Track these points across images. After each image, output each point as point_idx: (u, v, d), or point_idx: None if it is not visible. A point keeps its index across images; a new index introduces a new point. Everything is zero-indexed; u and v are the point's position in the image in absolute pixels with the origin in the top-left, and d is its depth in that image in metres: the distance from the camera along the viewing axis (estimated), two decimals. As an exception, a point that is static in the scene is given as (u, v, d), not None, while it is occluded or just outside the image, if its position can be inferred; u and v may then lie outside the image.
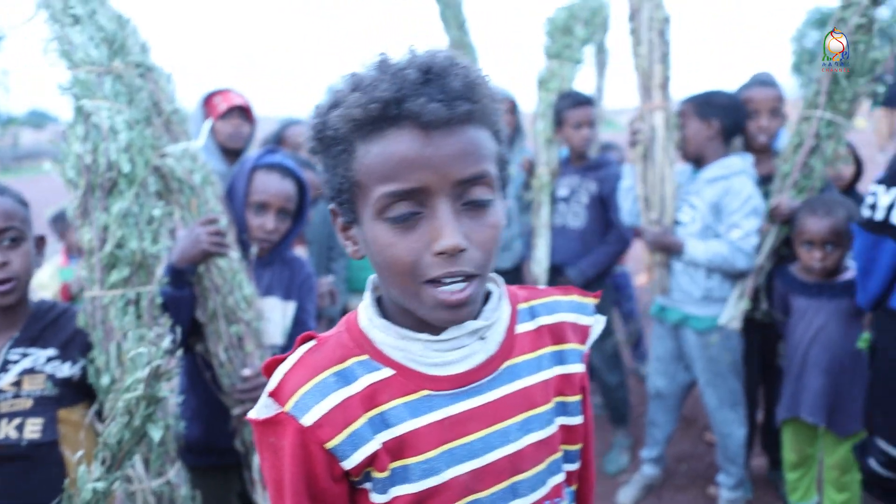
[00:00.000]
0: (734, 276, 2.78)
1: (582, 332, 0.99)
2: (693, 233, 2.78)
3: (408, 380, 0.85)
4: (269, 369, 0.87)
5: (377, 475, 0.83)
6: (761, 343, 2.91)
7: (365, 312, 0.90)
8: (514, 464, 0.88)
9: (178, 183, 1.91)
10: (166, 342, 1.47)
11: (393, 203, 0.77)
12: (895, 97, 2.54)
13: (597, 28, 3.76)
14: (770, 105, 2.79)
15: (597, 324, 1.01)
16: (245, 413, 1.88)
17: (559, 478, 0.95)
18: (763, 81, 2.88)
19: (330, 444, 0.80)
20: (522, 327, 0.94)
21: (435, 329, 0.86)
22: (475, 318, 0.88)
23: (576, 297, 1.00)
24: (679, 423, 3.59)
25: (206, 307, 1.90)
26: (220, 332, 1.87)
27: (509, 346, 0.91)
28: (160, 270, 1.49)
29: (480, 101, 0.79)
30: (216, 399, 1.97)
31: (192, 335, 1.95)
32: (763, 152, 2.87)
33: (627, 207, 3.01)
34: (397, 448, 0.83)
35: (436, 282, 0.79)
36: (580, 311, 0.99)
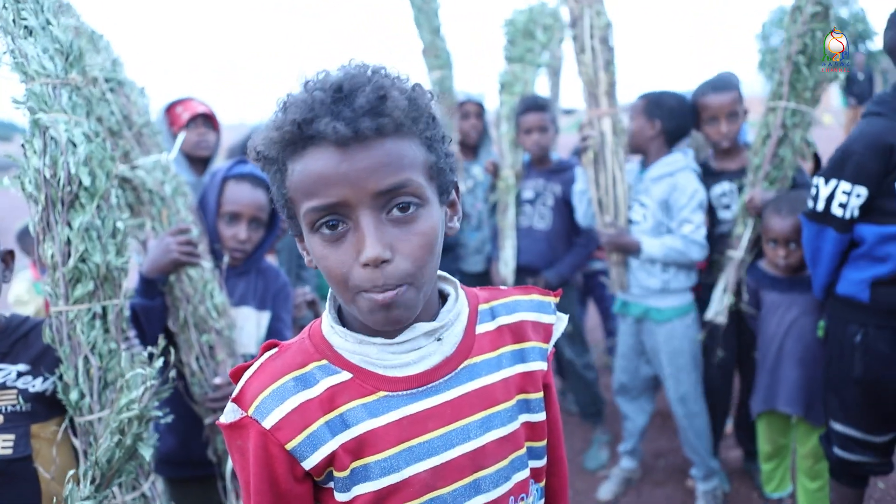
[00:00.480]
0: (689, 267, 2.86)
1: (544, 330, 1.01)
2: (646, 230, 2.87)
3: (365, 382, 0.88)
4: (236, 376, 0.91)
5: (338, 475, 0.86)
6: (737, 335, 2.94)
7: (326, 319, 0.93)
8: (476, 460, 0.90)
9: (149, 194, 1.91)
10: (159, 362, 1.47)
11: (319, 218, 0.81)
12: (862, 94, 2.63)
13: (555, 32, 3.81)
14: (727, 109, 2.83)
15: (559, 321, 1.03)
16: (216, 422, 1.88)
17: (523, 474, 0.96)
18: (717, 86, 2.90)
19: (289, 446, 0.84)
20: (483, 327, 0.96)
21: (390, 333, 0.88)
22: (432, 319, 0.91)
23: (536, 296, 1.03)
24: (655, 418, 3.65)
25: (178, 317, 1.90)
26: (192, 341, 1.87)
27: (468, 346, 0.93)
28: (126, 283, 1.48)
29: (393, 115, 0.79)
30: (189, 411, 1.96)
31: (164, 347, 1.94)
32: (731, 150, 2.92)
33: (583, 210, 3.11)
34: (356, 448, 0.86)
35: (365, 291, 0.81)
36: (541, 310, 1.02)
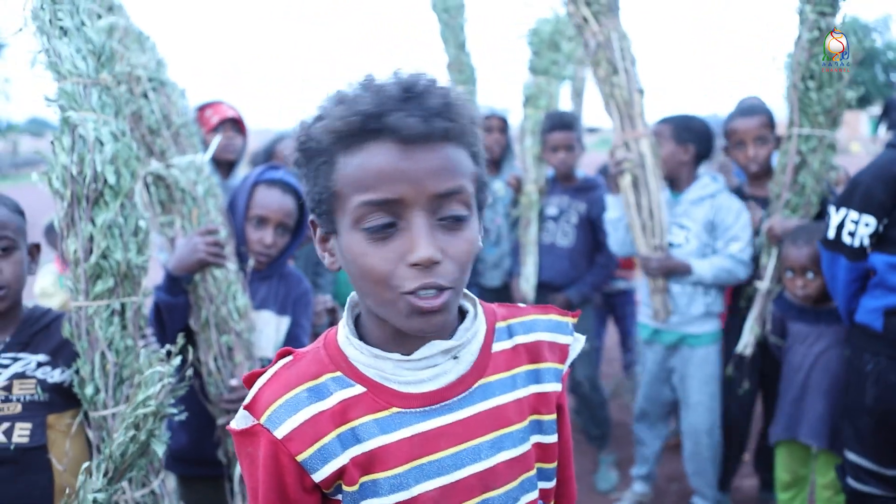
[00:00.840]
0: (722, 291, 2.84)
1: (560, 350, 1.00)
2: (690, 253, 2.83)
3: (378, 397, 0.87)
4: (249, 382, 0.90)
5: (347, 489, 0.86)
6: (759, 365, 2.89)
7: (342, 330, 0.92)
8: (485, 481, 0.89)
9: (182, 193, 1.95)
10: (176, 360, 1.49)
11: (369, 213, 0.79)
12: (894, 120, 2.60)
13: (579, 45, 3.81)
14: (754, 133, 2.82)
15: (576, 342, 1.02)
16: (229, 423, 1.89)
17: (532, 495, 0.95)
18: (745, 111, 2.89)
19: (300, 457, 0.84)
20: (499, 346, 0.95)
21: (407, 349, 0.88)
22: (450, 336, 0.90)
23: (554, 316, 1.01)
24: (669, 442, 3.60)
25: (199, 316, 1.92)
26: (211, 341, 1.89)
27: (483, 364, 0.92)
28: (146, 281, 1.50)
29: (458, 121, 0.82)
30: (203, 409, 1.97)
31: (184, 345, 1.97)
32: (763, 176, 2.89)
33: (620, 238, 2.96)
34: (367, 463, 0.85)
35: (410, 293, 0.80)
36: (558, 331, 1.00)
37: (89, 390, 1.47)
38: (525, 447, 0.93)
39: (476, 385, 0.91)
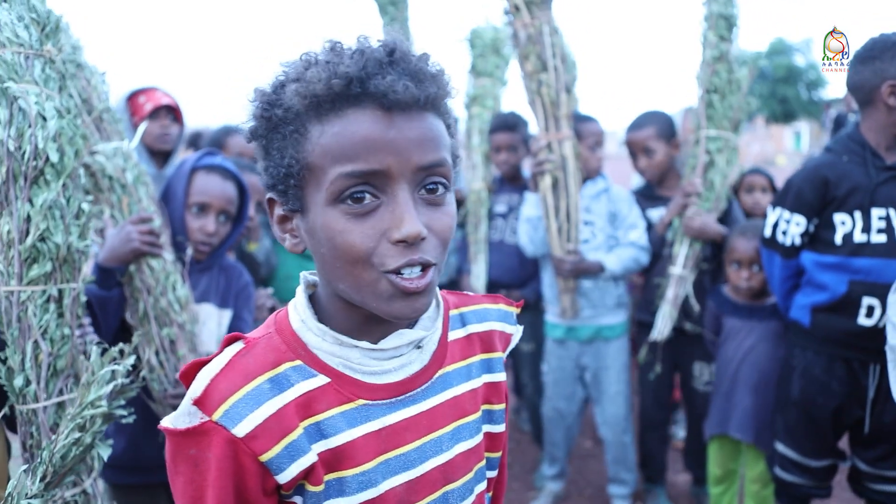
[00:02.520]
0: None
1: (505, 339, 1.00)
2: (598, 246, 2.97)
3: (343, 388, 0.82)
4: (190, 374, 0.79)
5: (311, 489, 0.80)
6: (672, 363, 3.06)
7: (297, 313, 0.85)
8: (446, 474, 0.88)
9: (109, 181, 1.85)
10: (129, 360, 1.41)
11: (350, 185, 0.74)
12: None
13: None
14: (642, 145, 3.06)
15: (517, 332, 1.03)
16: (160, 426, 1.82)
17: (483, 485, 0.95)
18: (633, 125, 3.12)
19: (265, 457, 0.76)
20: (454, 334, 0.94)
21: (374, 337, 0.84)
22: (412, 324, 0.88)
23: (503, 306, 1.02)
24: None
25: (137, 309, 1.84)
26: (151, 334, 1.82)
27: (442, 354, 0.90)
28: (87, 267, 1.43)
29: (442, 89, 0.78)
30: (144, 412, 1.87)
31: (119, 340, 1.88)
32: (670, 178, 3.09)
33: (539, 237, 3.00)
34: (333, 460, 0.80)
35: (393, 272, 0.76)
36: (506, 320, 1.01)
37: (18, 382, 1.38)
38: (479, 437, 0.93)
39: (437, 375, 0.89)
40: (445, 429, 0.88)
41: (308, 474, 0.78)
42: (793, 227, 2.23)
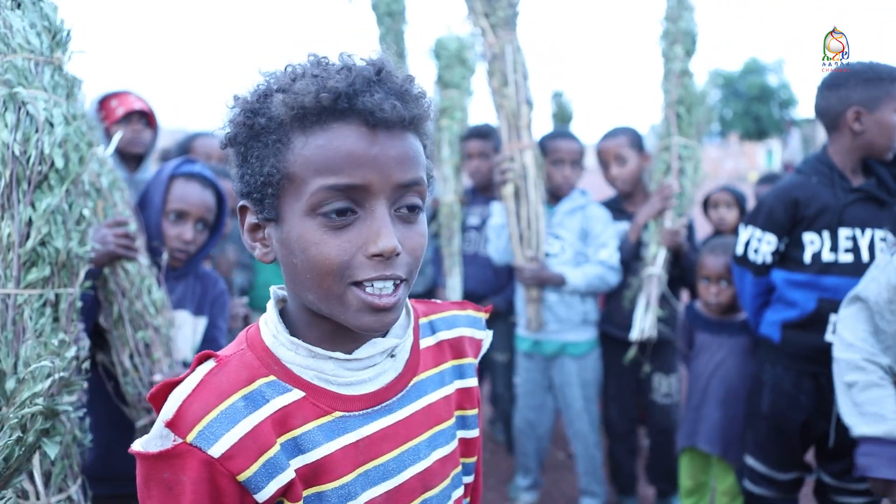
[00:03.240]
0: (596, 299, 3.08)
1: (476, 345, 1.03)
2: (565, 261, 3.02)
3: (319, 401, 0.82)
4: (160, 396, 0.79)
5: None
6: (635, 373, 3.10)
7: (268, 328, 0.85)
8: (424, 481, 0.89)
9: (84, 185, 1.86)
10: (71, 351, 1.41)
11: (330, 198, 0.76)
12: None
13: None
14: (614, 153, 3.13)
15: (487, 338, 1.05)
16: (150, 424, 1.82)
17: (460, 491, 0.97)
18: (607, 134, 3.21)
19: (243, 476, 0.75)
20: (425, 342, 0.96)
21: (346, 348, 0.85)
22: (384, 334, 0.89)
23: (471, 312, 1.04)
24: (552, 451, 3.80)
25: (111, 312, 1.84)
26: (126, 338, 1.82)
27: (415, 362, 0.92)
28: (83, 272, 1.45)
29: (423, 110, 0.81)
30: (115, 419, 1.89)
31: (93, 345, 1.87)
32: (636, 193, 3.17)
33: (502, 246, 3.11)
34: (311, 475, 0.80)
35: (362, 284, 0.78)
36: (475, 326, 1.03)
37: (10, 385, 1.38)
38: (454, 444, 0.95)
39: (411, 383, 0.90)
40: (422, 437, 0.89)
41: (286, 491, 0.78)
42: (764, 245, 2.31)
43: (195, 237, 2.06)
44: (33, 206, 1.32)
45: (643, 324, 2.94)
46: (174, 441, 0.74)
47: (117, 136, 2.35)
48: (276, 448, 0.78)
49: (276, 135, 0.77)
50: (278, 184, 0.78)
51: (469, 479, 1.01)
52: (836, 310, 2.13)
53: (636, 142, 3.13)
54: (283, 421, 0.79)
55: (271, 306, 0.87)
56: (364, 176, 0.76)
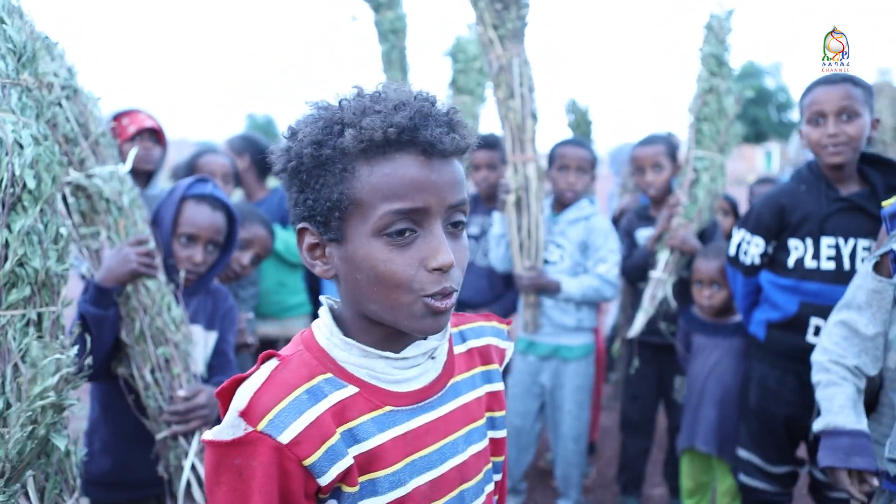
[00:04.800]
0: (594, 307, 3.12)
1: (500, 354, 1.11)
2: (563, 270, 3.04)
3: (372, 396, 0.91)
4: (228, 391, 0.88)
5: (347, 489, 0.88)
6: (658, 375, 3.16)
7: (323, 331, 0.94)
8: (462, 473, 0.97)
9: (106, 203, 1.89)
10: (73, 350, 1.43)
11: (396, 220, 0.85)
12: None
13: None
14: (652, 160, 3.16)
15: (510, 348, 1.14)
16: (171, 436, 1.86)
17: (491, 486, 1.05)
18: (645, 140, 3.24)
19: (308, 461, 0.84)
20: (457, 349, 1.05)
21: (394, 349, 0.93)
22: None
23: (496, 324, 1.13)
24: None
25: (133, 328, 1.86)
26: (148, 353, 1.85)
27: (451, 365, 1.01)
28: (65, 290, 1.48)
29: (471, 138, 0.91)
30: (129, 430, 1.92)
31: (112, 358, 1.91)
32: (661, 201, 3.20)
33: (501, 254, 3.18)
34: (366, 462, 0.88)
35: (430, 296, 0.87)
36: (499, 336, 1.12)
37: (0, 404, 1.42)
38: (486, 441, 1.03)
39: (449, 384, 0.99)
40: (459, 432, 0.98)
41: (345, 476, 0.87)
42: (752, 247, 2.39)
43: (205, 258, 2.07)
44: (9, 227, 1.32)
45: (639, 322, 2.98)
46: (245, 429, 0.82)
47: (132, 154, 2.41)
48: (336, 437, 0.86)
49: (342, 164, 0.85)
50: (346, 208, 0.86)
51: (498, 476, 1.09)
52: (817, 313, 2.20)
53: (672, 150, 3.18)
54: (340, 413, 0.88)
55: (326, 312, 0.95)
56: (425, 200, 0.85)
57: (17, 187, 1.33)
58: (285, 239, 3.25)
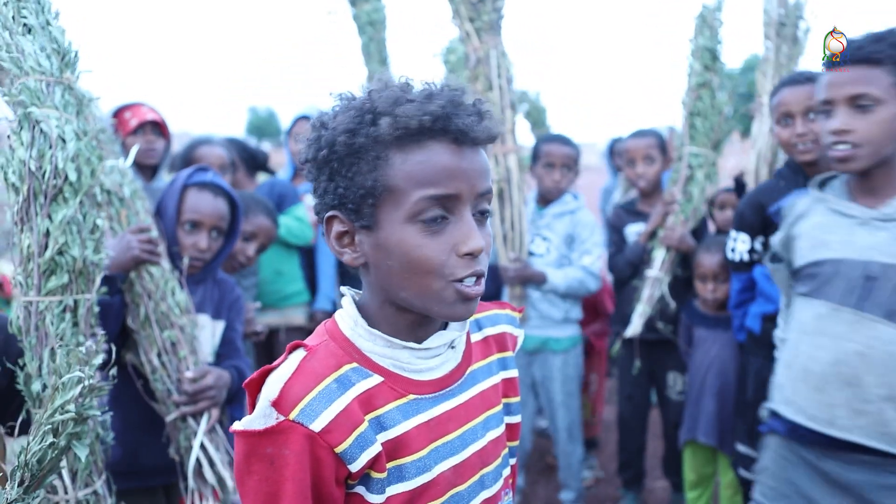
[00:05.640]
0: (579, 300, 3.15)
1: (514, 340, 1.14)
2: (549, 262, 3.09)
3: (396, 385, 0.93)
4: (257, 381, 0.89)
5: (376, 475, 0.90)
6: (650, 371, 3.19)
7: (347, 322, 0.95)
8: (482, 458, 1.00)
9: (108, 195, 1.95)
10: (98, 359, 1.47)
11: (429, 207, 0.86)
12: None
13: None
14: (643, 153, 3.18)
15: (521, 334, 1.16)
16: (181, 417, 1.92)
17: (507, 470, 1.08)
18: (636, 133, 3.27)
19: (340, 448, 0.85)
20: (474, 337, 1.07)
21: (417, 338, 0.95)
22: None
23: (509, 311, 1.16)
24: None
25: (138, 313, 1.92)
26: (153, 337, 1.90)
27: (469, 354, 1.03)
28: (99, 278, 1.55)
29: (500, 128, 0.95)
30: (142, 419, 1.97)
31: (120, 346, 1.93)
32: (653, 194, 3.23)
33: None
34: (393, 449, 0.90)
35: (460, 280, 0.89)
36: (513, 324, 1.15)
37: (36, 387, 1.48)
38: (503, 427, 1.06)
39: (467, 372, 1.01)
40: (478, 419, 1.00)
41: (374, 463, 0.88)
42: (739, 244, 2.47)
43: (210, 245, 2.11)
44: (50, 217, 1.40)
45: (638, 322, 3.01)
46: (277, 418, 0.83)
47: (134, 149, 2.46)
48: (365, 424, 0.87)
49: (376, 151, 0.87)
50: (379, 195, 0.87)
51: (513, 460, 1.12)
52: None
53: (663, 144, 3.22)
54: (368, 402, 0.89)
55: (350, 303, 0.97)
56: (457, 187, 0.87)
57: (60, 179, 1.41)
58: (286, 224, 3.30)
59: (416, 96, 0.88)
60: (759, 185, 2.56)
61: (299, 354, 0.91)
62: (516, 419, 1.11)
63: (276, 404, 0.84)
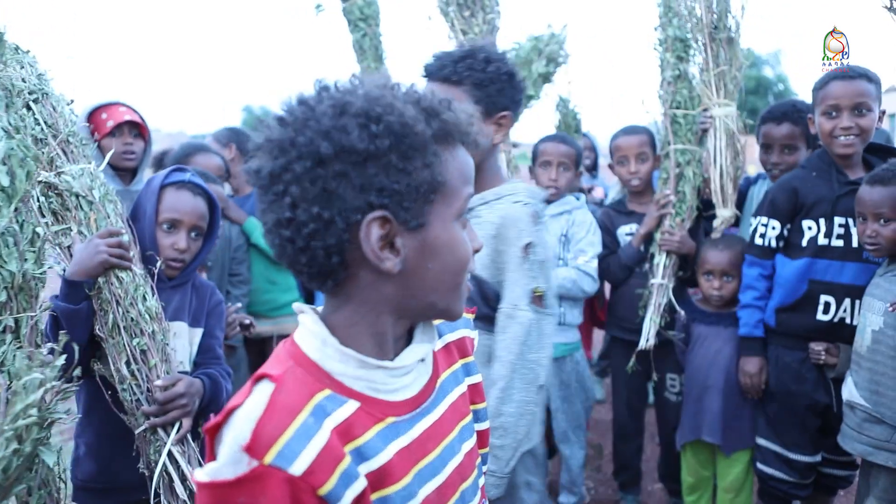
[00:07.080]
0: (577, 304, 3.05)
1: (472, 344, 1.10)
2: None
3: (373, 409, 0.85)
4: (221, 423, 0.79)
5: None
6: (646, 372, 3.11)
7: (313, 342, 0.86)
8: (461, 474, 0.96)
9: (76, 199, 1.83)
10: (60, 360, 1.37)
11: (467, 204, 0.89)
12: None
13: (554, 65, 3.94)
14: (636, 150, 3.10)
15: (476, 336, 1.12)
16: (151, 429, 1.80)
17: (482, 480, 1.04)
18: (628, 130, 3.16)
19: (324, 490, 0.76)
20: (437, 345, 1.01)
21: (388, 356, 0.89)
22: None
23: (466, 314, 1.09)
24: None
25: (107, 320, 1.80)
26: (122, 345, 1.78)
27: (436, 364, 0.98)
28: (43, 294, 1.41)
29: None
30: (112, 432, 1.85)
31: (91, 355, 1.84)
32: (644, 193, 3.16)
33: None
34: (377, 480, 0.83)
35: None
36: (468, 326, 1.10)
37: (-20, 416, 1.36)
38: (475, 436, 1.02)
39: (437, 384, 0.96)
40: (453, 433, 0.96)
41: (360, 500, 0.80)
42: (769, 230, 2.53)
43: (189, 245, 2.02)
44: (-19, 229, 1.28)
45: (649, 331, 2.92)
46: (250, 464, 0.73)
47: (109, 154, 2.36)
48: (347, 459, 0.79)
49: (430, 148, 0.83)
50: (429, 193, 0.83)
51: (485, 467, 1.10)
52: (826, 291, 2.40)
53: (653, 142, 3.14)
54: (346, 431, 0.81)
55: (315, 321, 0.87)
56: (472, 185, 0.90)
57: (-11, 185, 1.25)
58: None
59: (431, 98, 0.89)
60: (789, 174, 2.61)
61: (267, 388, 0.80)
62: (485, 425, 1.09)
63: (249, 449, 0.74)
